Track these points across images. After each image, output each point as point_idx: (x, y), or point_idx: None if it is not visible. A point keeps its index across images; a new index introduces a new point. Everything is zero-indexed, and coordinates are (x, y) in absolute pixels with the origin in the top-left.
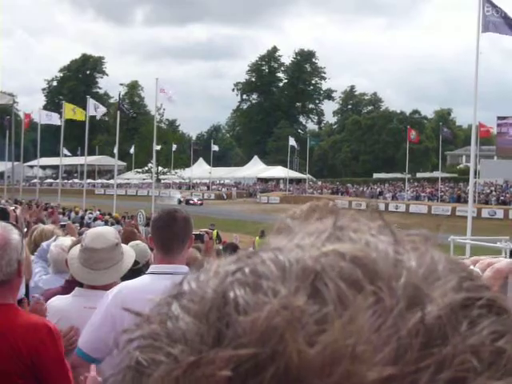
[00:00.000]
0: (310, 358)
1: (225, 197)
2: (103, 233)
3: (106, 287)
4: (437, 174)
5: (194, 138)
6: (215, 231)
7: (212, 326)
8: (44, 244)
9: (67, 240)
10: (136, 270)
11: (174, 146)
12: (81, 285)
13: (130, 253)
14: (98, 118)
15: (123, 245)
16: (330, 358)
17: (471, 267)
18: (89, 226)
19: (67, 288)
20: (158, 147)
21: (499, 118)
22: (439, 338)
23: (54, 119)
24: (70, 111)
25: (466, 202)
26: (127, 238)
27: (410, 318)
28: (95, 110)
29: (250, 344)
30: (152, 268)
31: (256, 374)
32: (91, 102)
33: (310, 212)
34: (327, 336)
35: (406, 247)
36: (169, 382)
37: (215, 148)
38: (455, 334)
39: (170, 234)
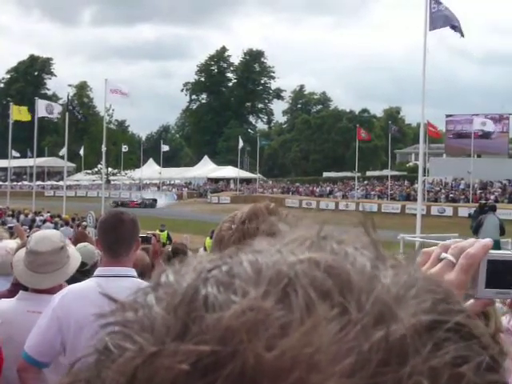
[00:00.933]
0: (266, 362)
1: (175, 197)
2: (48, 236)
3: (52, 291)
4: (386, 172)
5: (143, 138)
6: (165, 232)
7: (179, 320)
8: None
9: (12, 242)
10: (84, 272)
11: (124, 147)
12: (26, 288)
13: (75, 256)
14: (55, 116)
15: (69, 248)
16: (286, 364)
17: (445, 255)
18: (39, 228)
19: (14, 291)
20: (105, 148)
21: (447, 115)
22: (400, 356)
23: None
24: (18, 112)
25: (415, 199)
26: (78, 240)
27: (374, 334)
28: (47, 110)
29: (212, 341)
30: (98, 271)
31: (213, 371)
32: (41, 102)
33: (251, 215)
34: (286, 342)
35: (386, 264)
36: (129, 369)
37: (165, 148)
38: (416, 355)
39: (117, 237)
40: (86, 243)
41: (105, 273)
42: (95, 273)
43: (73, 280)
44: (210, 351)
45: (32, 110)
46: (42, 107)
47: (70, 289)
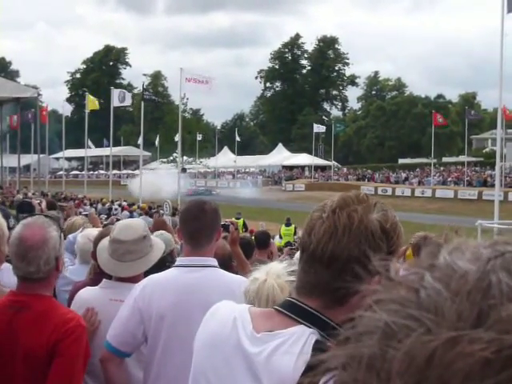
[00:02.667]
0: None
1: (251, 185)
2: (131, 225)
3: (134, 279)
4: (463, 158)
5: (218, 126)
6: (241, 220)
7: (475, 306)
8: (70, 236)
9: (94, 230)
10: (160, 259)
11: (199, 136)
12: (110, 277)
13: (159, 245)
14: (127, 104)
15: (153, 237)
16: None
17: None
18: (116, 216)
19: (95, 280)
20: (180, 137)
21: None
22: None
23: (67, 110)
24: (92, 103)
25: (492, 185)
26: (157, 228)
27: None
28: (120, 98)
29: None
30: (180, 261)
31: None
32: (115, 92)
33: (342, 203)
34: None
35: None
36: (424, 351)
37: (238, 138)
38: None
39: (199, 226)
40: (162, 231)
41: (185, 263)
42: (176, 262)
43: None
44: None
45: (107, 100)
46: (116, 97)
47: (151, 278)
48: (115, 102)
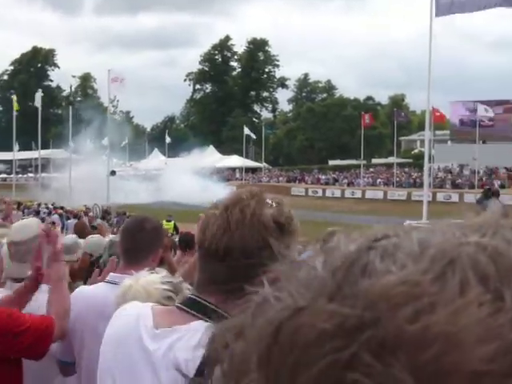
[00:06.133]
0: (406, 334)
1: None
2: (26, 224)
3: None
4: (392, 159)
5: (148, 129)
6: (172, 223)
7: (334, 280)
8: None
9: None
10: (92, 262)
11: (129, 138)
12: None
13: (75, 245)
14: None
15: (72, 237)
16: (426, 339)
17: None
18: (43, 220)
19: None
20: (108, 140)
21: (453, 102)
22: None
23: None
24: (16, 103)
25: (421, 186)
26: (77, 231)
27: None
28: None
29: (359, 306)
30: (111, 277)
31: (353, 335)
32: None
33: (234, 200)
34: (431, 317)
35: None
36: (277, 320)
37: (169, 140)
38: None
39: (135, 243)
40: (93, 235)
41: (116, 279)
42: (107, 277)
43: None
44: (354, 315)
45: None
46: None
47: (81, 292)
48: (38, 103)
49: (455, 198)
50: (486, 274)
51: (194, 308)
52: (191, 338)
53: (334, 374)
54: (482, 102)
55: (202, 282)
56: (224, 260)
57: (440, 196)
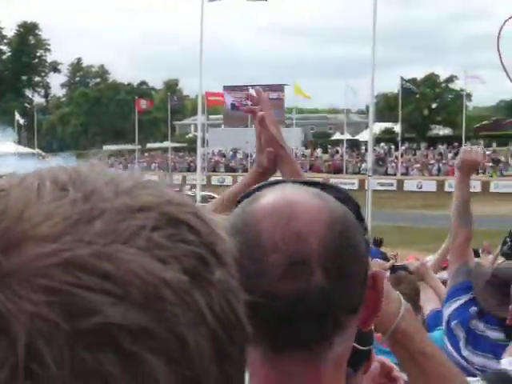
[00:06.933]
0: None
1: None
2: None
3: None
4: (167, 144)
5: None
6: None
7: None
8: None
9: None
10: None
11: None
12: None
13: None
14: None
15: None
16: None
17: None
18: None
19: None
20: None
21: (225, 87)
22: (105, 226)
23: None
24: None
25: (195, 170)
26: None
27: (80, 206)
28: None
29: None
30: None
31: None
32: None
33: None
34: (5, 202)
35: (136, 180)
36: None
37: None
38: (115, 223)
39: None
40: None
41: None
42: None
43: None
44: None
45: None
46: None
47: None
48: None
49: (229, 181)
50: (59, 180)
51: None
52: None
53: None
54: (254, 87)
55: None
56: None
57: (214, 179)
